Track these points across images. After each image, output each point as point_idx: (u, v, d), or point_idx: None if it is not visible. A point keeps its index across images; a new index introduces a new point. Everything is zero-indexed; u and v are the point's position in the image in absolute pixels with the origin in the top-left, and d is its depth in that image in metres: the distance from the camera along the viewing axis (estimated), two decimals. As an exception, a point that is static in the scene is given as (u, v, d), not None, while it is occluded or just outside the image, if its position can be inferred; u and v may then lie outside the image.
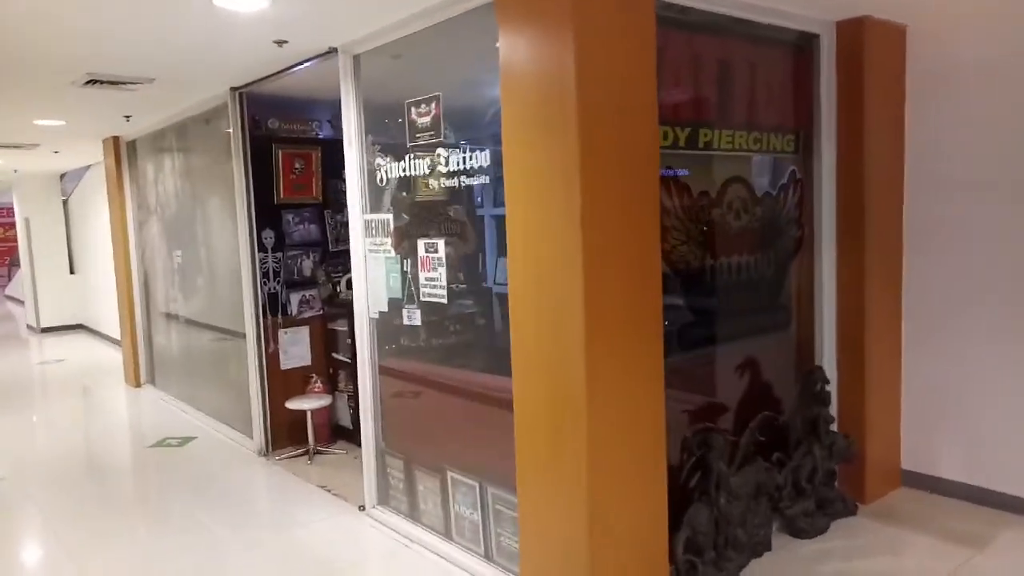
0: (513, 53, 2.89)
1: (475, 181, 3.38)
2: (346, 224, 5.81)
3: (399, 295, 3.90)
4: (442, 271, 3.61)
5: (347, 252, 5.46)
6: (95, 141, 8.01)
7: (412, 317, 3.83)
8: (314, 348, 5.76)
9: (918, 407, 4.28)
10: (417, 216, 3.78)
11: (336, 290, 5.77)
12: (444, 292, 3.62)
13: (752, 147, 3.86)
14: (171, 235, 7.17)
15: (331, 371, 5.79)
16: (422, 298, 3.75)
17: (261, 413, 5.52)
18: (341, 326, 5.64)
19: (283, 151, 5.58)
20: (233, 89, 5.29)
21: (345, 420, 5.69)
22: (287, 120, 5.70)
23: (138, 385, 8.05)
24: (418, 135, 3.63)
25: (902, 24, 4.11)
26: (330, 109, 5.85)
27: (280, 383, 5.58)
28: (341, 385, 5.72)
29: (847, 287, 4.10)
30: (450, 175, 3.49)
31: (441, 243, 3.61)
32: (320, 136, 5.88)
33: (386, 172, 3.93)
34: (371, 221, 4.07)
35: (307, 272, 5.75)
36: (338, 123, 5.81)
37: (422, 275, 3.72)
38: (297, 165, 5.65)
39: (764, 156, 3.95)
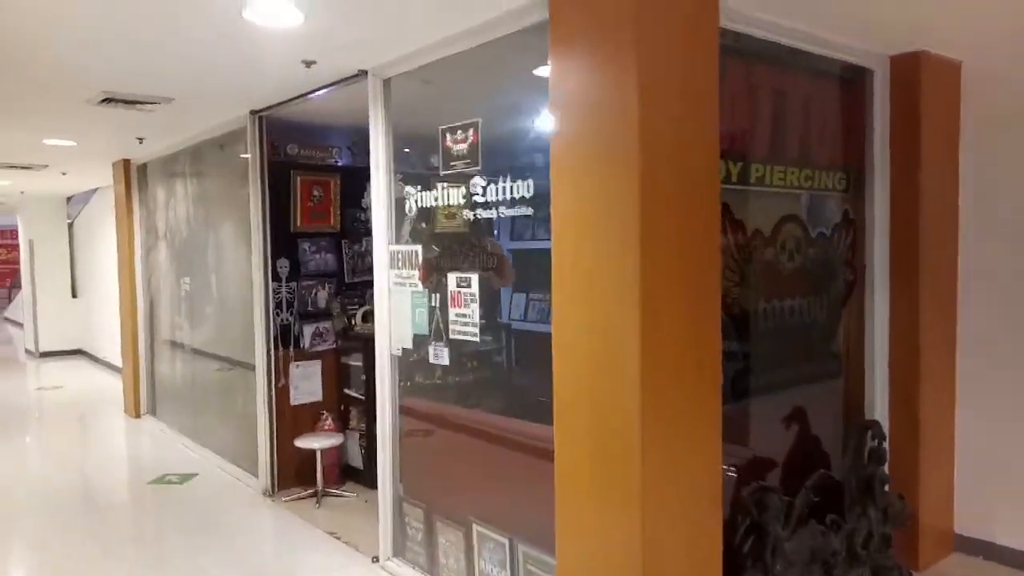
0: (566, 80, 2.68)
1: (514, 212, 3.16)
2: (363, 255, 5.63)
3: (426, 331, 3.65)
4: (474, 307, 3.37)
5: (364, 284, 5.26)
6: (105, 163, 7.84)
7: (439, 355, 3.58)
8: (326, 383, 5.50)
9: (972, 466, 4.01)
10: (449, 248, 3.55)
11: (351, 323, 5.52)
12: (476, 330, 3.37)
13: (803, 184, 3.65)
14: (180, 261, 6.95)
15: (342, 408, 5.52)
16: (451, 335, 3.50)
17: (268, 451, 5.24)
18: (355, 361, 5.38)
19: (301, 178, 5.39)
20: (253, 112, 5.11)
21: (356, 460, 5.40)
22: (306, 146, 5.51)
23: (138, 415, 7.75)
24: (453, 163, 3.42)
25: (957, 60, 3.93)
26: (350, 135, 5.68)
27: (289, 419, 5.30)
28: (353, 423, 5.44)
29: (900, 336, 3.85)
30: (487, 206, 3.27)
31: (475, 278, 3.37)
32: (339, 163, 5.69)
33: (416, 201, 3.71)
34: (397, 252, 3.84)
35: (322, 303, 5.51)
36: (357, 150, 5.67)
37: (452, 311, 3.47)
38: (315, 193, 5.45)
39: (815, 194, 3.74)
